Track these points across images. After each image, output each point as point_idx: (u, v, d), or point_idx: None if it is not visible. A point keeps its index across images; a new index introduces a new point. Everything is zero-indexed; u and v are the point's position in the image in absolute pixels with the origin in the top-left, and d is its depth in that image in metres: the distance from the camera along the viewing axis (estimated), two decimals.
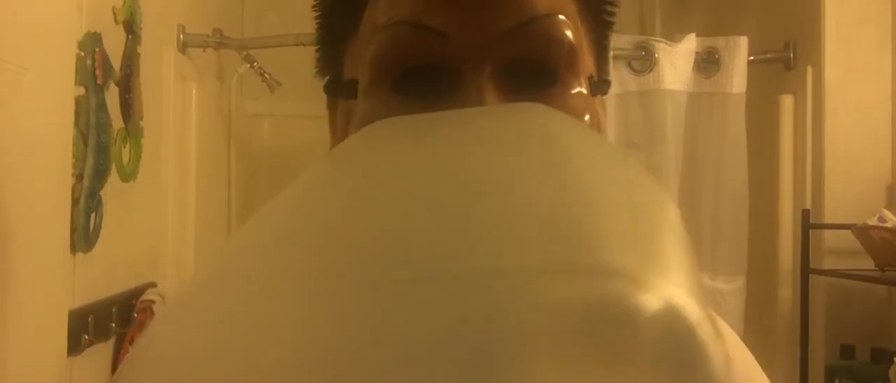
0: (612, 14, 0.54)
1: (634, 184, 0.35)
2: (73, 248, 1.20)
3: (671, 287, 0.29)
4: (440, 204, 0.32)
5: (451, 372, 0.26)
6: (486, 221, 0.30)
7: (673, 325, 0.28)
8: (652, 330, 0.28)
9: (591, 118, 0.49)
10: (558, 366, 0.27)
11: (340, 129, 0.51)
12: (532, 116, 0.38)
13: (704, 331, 0.29)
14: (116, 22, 1.38)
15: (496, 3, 0.45)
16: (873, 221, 1.74)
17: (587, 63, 0.50)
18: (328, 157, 0.40)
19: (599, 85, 0.51)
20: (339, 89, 0.51)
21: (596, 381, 0.27)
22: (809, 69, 1.99)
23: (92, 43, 1.26)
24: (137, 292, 1.49)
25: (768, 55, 2.11)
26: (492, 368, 0.26)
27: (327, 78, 0.54)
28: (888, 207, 1.81)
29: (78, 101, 1.18)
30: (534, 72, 0.46)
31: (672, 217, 0.34)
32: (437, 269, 0.28)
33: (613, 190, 0.33)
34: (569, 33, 0.47)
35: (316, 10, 0.54)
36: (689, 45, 2.02)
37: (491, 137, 0.36)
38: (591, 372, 0.27)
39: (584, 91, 0.48)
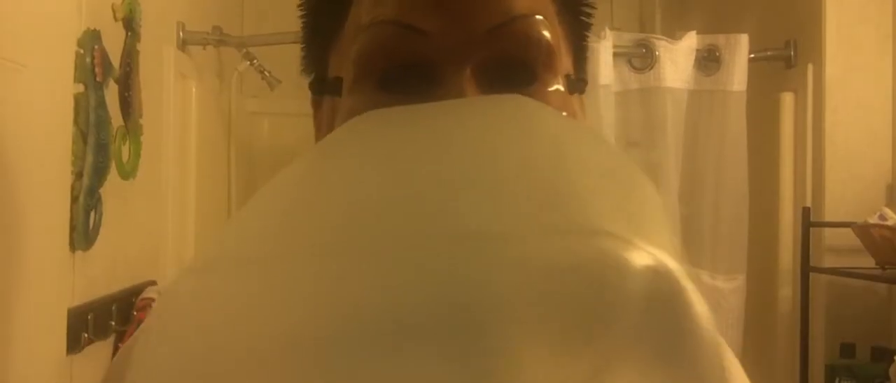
0: (589, 15, 0.56)
1: (615, 163, 0.37)
2: (73, 246, 1.19)
3: (656, 249, 0.31)
4: (432, 179, 0.33)
5: (452, 329, 0.28)
6: (479, 192, 0.32)
7: (661, 279, 0.30)
8: (641, 284, 0.30)
9: (568, 115, 0.50)
10: (551, 321, 0.28)
11: (325, 126, 0.52)
12: (515, 104, 0.40)
13: (690, 286, 0.31)
14: (116, 19, 1.38)
15: (477, 4, 0.47)
16: (874, 219, 1.74)
17: (565, 62, 0.51)
18: (319, 145, 0.41)
19: (577, 84, 0.53)
20: (324, 87, 0.53)
21: (588, 334, 0.29)
22: (810, 67, 1.99)
23: (91, 40, 1.26)
24: (137, 290, 1.49)
25: (769, 53, 2.11)
26: (489, 324, 0.28)
27: (313, 76, 0.55)
28: (888, 205, 1.81)
29: (77, 99, 1.18)
30: (513, 70, 0.47)
31: (652, 193, 0.35)
32: (435, 235, 0.30)
33: (595, 166, 0.35)
34: (546, 33, 0.48)
35: (301, 9, 0.55)
36: (690, 42, 2.02)
37: (477, 121, 0.38)
38: (583, 326, 0.29)
39: (562, 89, 0.50)
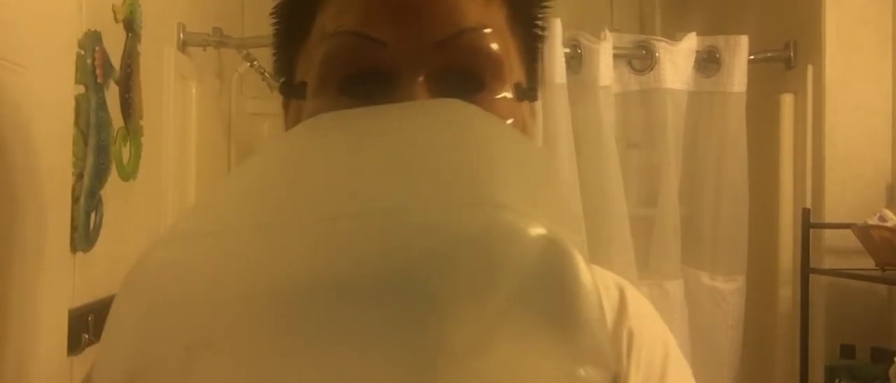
0: (542, 27, 0.60)
1: (529, 156, 0.42)
2: (73, 247, 1.19)
3: (551, 222, 0.35)
4: (366, 166, 0.39)
5: (376, 285, 0.33)
6: (403, 176, 0.38)
7: (549, 246, 0.34)
8: (530, 249, 0.34)
9: (515, 121, 0.54)
10: (451, 280, 0.33)
11: (292, 127, 0.56)
12: (449, 107, 0.45)
13: (578, 255, 0.35)
14: (116, 20, 1.38)
15: (430, 17, 0.51)
16: (874, 220, 1.74)
17: (515, 71, 0.55)
18: (274, 141, 0.47)
19: (527, 92, 0.57)
20: (291, 91, 0.57)
21: (481, 292, 0.33)
22: (810, 68, 1.99)
23: (92, 41, 1.26)
24: None
25: (769, 54, 2.11)
26: (402, 282, 0.33)
27: (282, 80, 0.59)
28: (888, 206, 1.81)
29: (78, 100, 1.18)
30: (462, 78, 0.52)
31: (559, 183, 0.40)
32: (364, 210, 0.36)
33: (510, 157, 0.40)
34: (494, 46, 0.53)
35: (273, 17, 0.60)
36: (690, 44, 2.02)
37: (414, 121, 0.44)
38: (477, 285, 0.33)
39: (510, 96, 0.54)
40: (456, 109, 0.44)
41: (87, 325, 1.24)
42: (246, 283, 0.34)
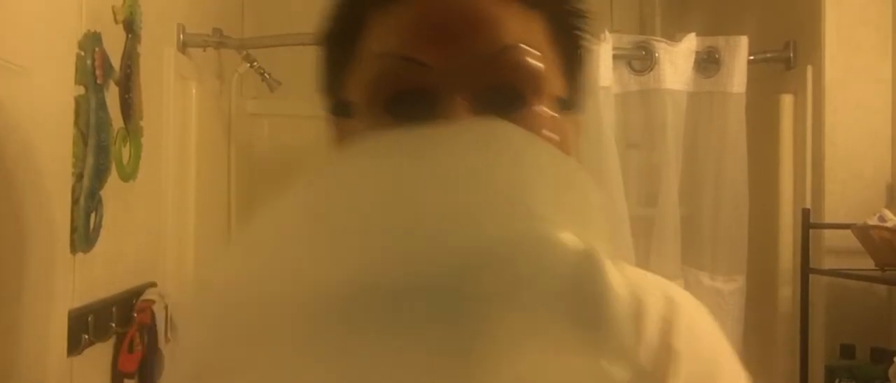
0: (583, 39, 0.60)
1: (568, 175, 0.44)
2: (73, 248, 1.19)
3: (587, 235, 0.38)
4: (418, 183, 0.42)
5: (420, 286, 0.37)
6: (449, 191, 0.40)
7: (584, 258, 0.38)
8: (565, 256, 0.37)
9: (557, 135, 0.55)
10: (493, 284, 0.36)
11: (340, 143, 0.60)
12: (488, 127, 0.47)
13: (611, 268, 0.38)
14: (116, 21, 1.38)
15: (470, 37, 0.53)
16: (873, 221, 1.74)
17: (556, 85, 0.56)
18: (328, 160, 0.49)
19: (570, 104, 0.57)
20: (339, 110, 0.59)
21: (522, 294, 0.36)
22: (809, 68, 1.99)
23: (92, 42, 1.26)
24: (137, 292, 1.49)
25: (768, 55, 2.11)
26: (453, 284, 0.36)
27: (331, 100, 0.61)
28: (888, 207, 1.82)
29: (78, 101, 1.18)
30: (504, 96, 0.53)
31: (596, 199, 0.43)
32: (412, 223, 0.39)
33: (549, 175, 0.43)
34: (533, 61, 0.54)
35: (320, 42, 0.62)
36: (690, 44, 2.02)
37: (456, 141, 0.46)
38: (515, 289, 0.36)
39: (552, 111, 0.55)
40: (496, 129, 0.46)
41: (86, 326, 1.24)
42: (301, 288, 0.38)
